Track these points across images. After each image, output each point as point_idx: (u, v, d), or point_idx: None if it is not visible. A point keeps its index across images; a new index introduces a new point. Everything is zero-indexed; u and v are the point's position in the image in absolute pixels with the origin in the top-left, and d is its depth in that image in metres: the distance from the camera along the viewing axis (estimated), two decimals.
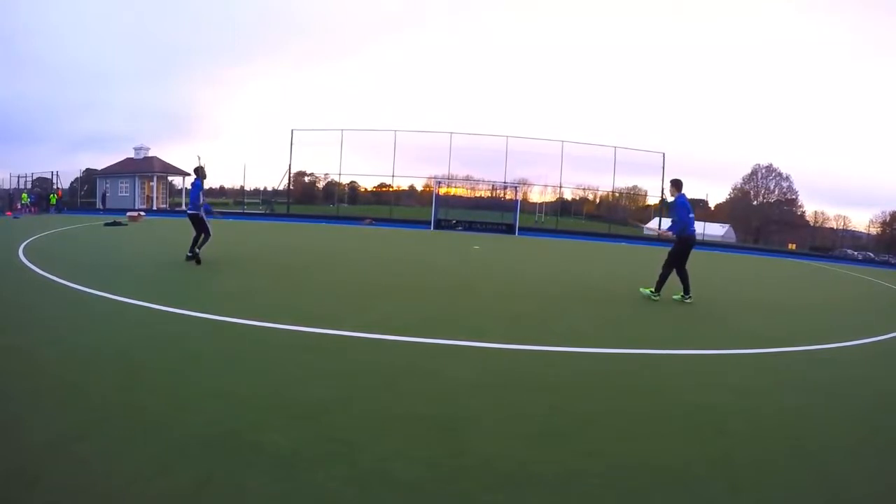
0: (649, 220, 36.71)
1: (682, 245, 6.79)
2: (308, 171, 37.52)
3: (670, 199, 7.19)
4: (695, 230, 6.98)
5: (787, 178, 49.74)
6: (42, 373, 2.91)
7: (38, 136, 62.44)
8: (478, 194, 30.72)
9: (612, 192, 31.66)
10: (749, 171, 51.77)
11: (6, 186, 29.01)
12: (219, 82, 79.34)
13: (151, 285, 5.90)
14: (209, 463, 2.02)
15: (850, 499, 2.12)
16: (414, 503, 1.88)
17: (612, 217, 33.83)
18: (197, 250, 7.71)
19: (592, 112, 78.39)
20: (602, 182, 34.88)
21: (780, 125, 72.76)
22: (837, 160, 69.79)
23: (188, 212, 8.11)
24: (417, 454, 2.22)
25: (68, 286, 5.41)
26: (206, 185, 8.29)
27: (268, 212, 31.83)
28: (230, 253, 9.24)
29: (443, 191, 27.67)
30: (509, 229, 24.56)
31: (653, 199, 35.07)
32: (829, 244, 37.63)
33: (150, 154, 32.66)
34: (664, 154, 28.69)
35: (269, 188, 37.61)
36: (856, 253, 33.53)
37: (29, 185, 29.30)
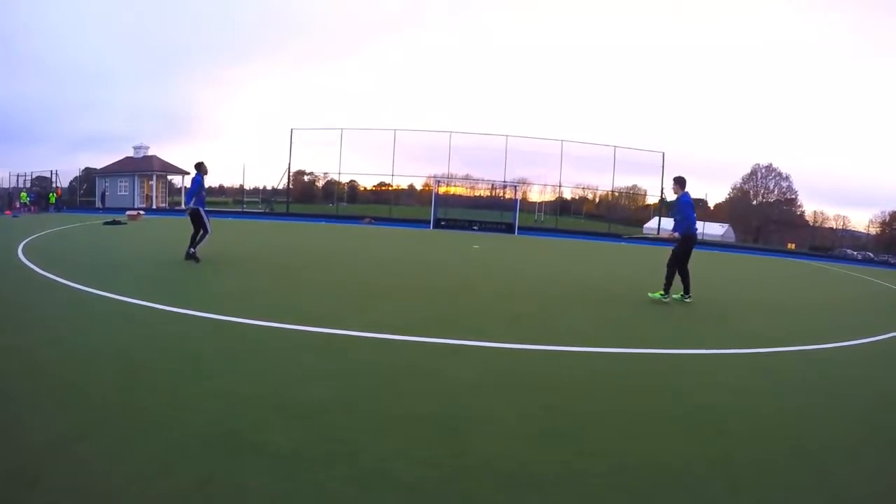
0: (649, 219, 36.74)
1: (685, 244, 6.78)
2: (308, 170, 37.54)
3: (673, 197, 7.15)
4: (696, 229, 6.99)
5: (787, 178, 49.81)
6: (42, 372, 2.91)
7: (38, 136, 62.47)
8: (477, 193, 30.70)
9: (612, 191, 31.65)
10: (749, 170, 51.81)
11: (5, 185, 28.95)
12: (219, 82, 79.41)
13: (151, 284, 5.90)
14: (210, 463, 2.02)
15: (849, 499, 2.13)
16: (414, 503, 1.88)
17: (612, 216, 33.83)
18: (193, 249, 7.69)
19: (592, 111, 78.58)
20: (602, 181, 34.81)
21: (780, 125, 72.93)
22: (837, 160, 69.93)
23: (186, 207, 8.10)
24: (418, 454, 2.22)
25: (68, 285, 5.41)
26: (206, 183, 8.27)
27: (267, 211, 31.84)
28: (230, 252, 9.24)
29: (442, 190, 27.65)
30: (509, 229, 24.56)
31: (652, 199, 35.10)
32: (828, 244, 37.64)
33: (150, 153, 32.61)
34: (664, 153, 28.72)
35: (269, 187, 37.66)
36: (855, 253, 33.55)
37: (28, 184, 29.25)
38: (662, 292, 6.69)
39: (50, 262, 6.96)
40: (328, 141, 29.34)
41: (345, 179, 34.59)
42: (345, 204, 35.42)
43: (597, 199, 39.64)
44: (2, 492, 1.76)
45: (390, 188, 34.16)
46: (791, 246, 36.12)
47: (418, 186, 37.94)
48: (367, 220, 26.32)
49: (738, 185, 52.48)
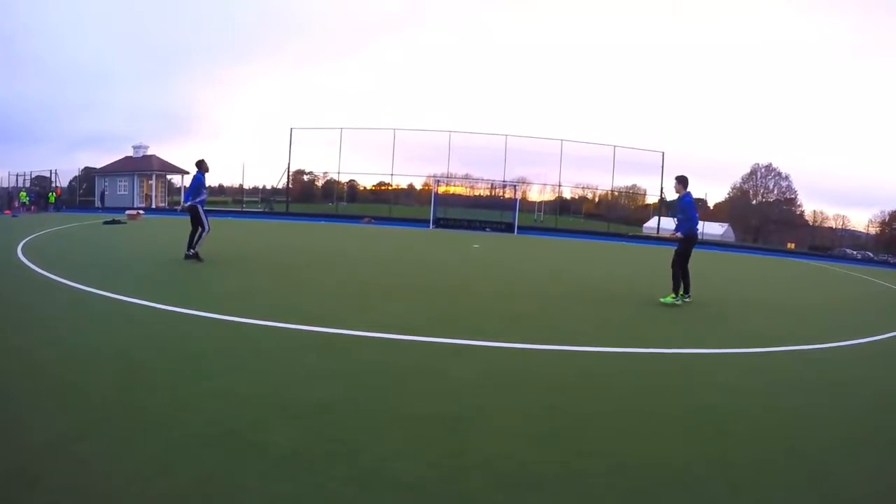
0: (648, 219, 36.72)
1: (688, 244, 6.77)
2: (307, 170, 37.49)
3: (675, 195, 7.12)
4: (698, 229, 7.00)
5: (787, 178, 49.79)
6: (42, 372, 2.91)
7: (38, 136, 62.36)
8: (477, 193, 30.68)
9: (612, 191, 31.64)
10: (748, 170, 51.76)
11: (4, 185, 28.88)
12: (218, 82, 79.26)
13: (151, 284, 5.90)
14: (209, 463, 2.02)
15: (849, 499, 2.13)
16: (414, 503, 1.88)
17: (612, 216, 33.82)
18: (195, 249, 7.69)
19: (592, 111, 78.44)
20: (601, 181, 34.77)
21: (780, 125, 72.85)
22: (837, 160, 69.87)
23: (184, 205, 8.10)
24: (418, 454, 2.22)
25: (68, 285, 5.41)
26: (207, 182, 8.24)
27: (267, 210, 31.83)
28: (230, 252, 9.23)
29: (442, 189, 27.66)
30: (508, 228, 24.56)
31: (652, 198, 35.10)
32: (827, 244, 37.63)
33: (149, 153, 32.58)
34: (663, 153, 28.68)
35: (269, 187, 37.57)
36: (855, 252, 33.54)
37: (27, 184, 29.22)
38: (673, 295, 6.63)
39: (49, 261, 6.96)
40: (328, 140, 29.37)
41: (344, 179, 34.56)
42: (344, 203, 35.36)
43: (596, 199, 39.61)
44: (2, 492, 1.76)
45: (390, 188, 34.14)
46: (791, 246, 36.15)
47: (418, 186, 37.91)
48: (367, 219, 26.30)
49: (738, 185, 52.51)
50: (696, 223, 6.80)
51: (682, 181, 6.80)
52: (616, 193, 33.23)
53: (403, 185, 38.06)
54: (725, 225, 46.73)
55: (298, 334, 4.04)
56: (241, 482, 1.91)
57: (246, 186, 36.08)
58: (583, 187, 34.36)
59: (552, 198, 35.88)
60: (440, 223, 24.60)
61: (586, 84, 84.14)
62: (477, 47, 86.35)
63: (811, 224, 44.55)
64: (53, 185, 29.50)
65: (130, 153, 32.55)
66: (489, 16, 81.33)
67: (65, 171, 32.04)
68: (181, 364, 3.18)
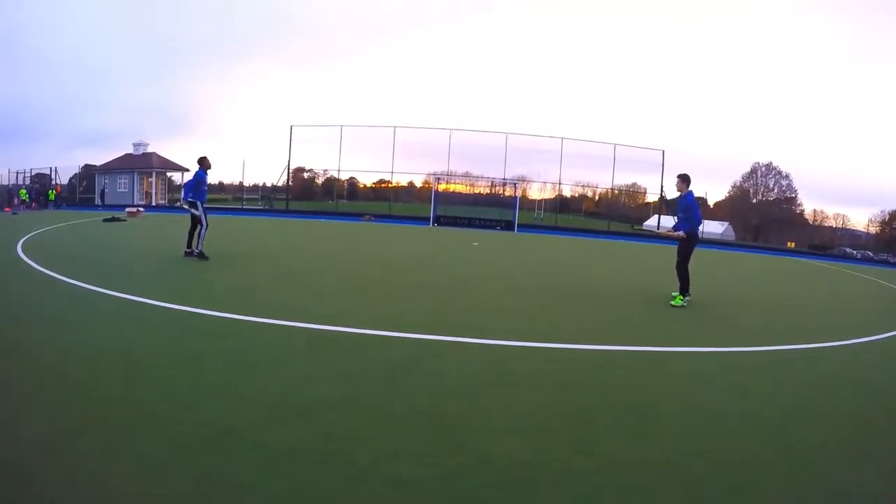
0: (648, 217, 36.71)
1: (690, 244, 6.76)
2: (307, 167, 37.41)
3: (676, 194, 7.09)
4: (699, 228, 7.00)
5: (787, 177, 49.75)
6: (42, 370, 2.91)
7: (38, 134, 62.28)
8: (477, 191, 30.68)
9: (612, 189, 31.63)
10: (749, 169, 51.68)
11: (5, 182, 28.87)
12: (219, 79, 79.13)
13: (151, 282, 5.89)
14: (209, 461, 2.02)
15: (849, 499, 2.13)
16: (413, 501, 1.88)
17: (612, 214, 33.80)
18: (199, 248, 7.69)
19: (592, 109, 78.10)
20: (601, 179, 34.83)
21: (780, 124, 72.58)
22: (837, 159, 69.73)
23: (187, 200, 8.09)
24: (416, 452, 2.22)
25: (68, 283, 5.40)
26: (207, 179, 8.23)
27: (267, 208, 31.80)
28: (230, 249, 9.22)
29: (442, 187, 27.67)
30: (508, 226, 24.56)
31: (652, 197, 35.08)
32: (827, 243, 37.67)
33: (149, 150, 32.54)
34: (664, 151, 28.68)
35: (269, 184, 37.50)
36: (854, 252, 33.55)
37: (27, 181, 29.20)
38: (681, 295, 6.58)
39: (49, 259, 6.96)
40: (328, 138, 29.32)
41: (344, 176, 34.59)
42: (344, 201, 35.36)
43: (596, 197, 39.52)
44: (1, 489, 1.76)
45: (390, 185, 34.07)
46: (790, 244, 36.13)
47: (418, 184, 37.79)
48: (368, 217, 26.29)
49: (738, 184, 52.44)
50: (699, 224, 6.77)
51: (684, 179, 6.78)
52: (616, 192, 33.18)
53: (404, 182, 38.00)
54: (725, 223, 46.69)
55: (298, 332, 4.04)
56: (241, 480, 1.91)
57: (246, 184, 36.02)
58: (583, 185, 34.42)
59: (552, 196, 35.87)
60: (440, 221, 24.59)
61: (587, 82, 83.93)
62: (477, 46, 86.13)
63: (811, 223, 44.60)
64: (53, 182, 29.47)
65: (130, 151, 32.52)
66: (489, 14, 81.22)
67: (65, 169, 32.06)
68: (181, 362, 3.18)
